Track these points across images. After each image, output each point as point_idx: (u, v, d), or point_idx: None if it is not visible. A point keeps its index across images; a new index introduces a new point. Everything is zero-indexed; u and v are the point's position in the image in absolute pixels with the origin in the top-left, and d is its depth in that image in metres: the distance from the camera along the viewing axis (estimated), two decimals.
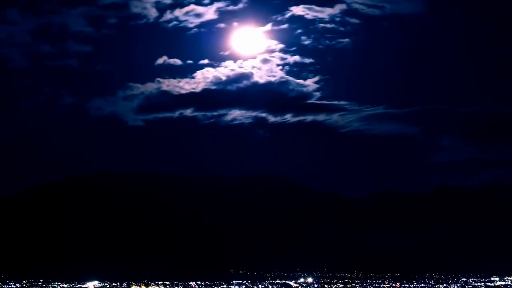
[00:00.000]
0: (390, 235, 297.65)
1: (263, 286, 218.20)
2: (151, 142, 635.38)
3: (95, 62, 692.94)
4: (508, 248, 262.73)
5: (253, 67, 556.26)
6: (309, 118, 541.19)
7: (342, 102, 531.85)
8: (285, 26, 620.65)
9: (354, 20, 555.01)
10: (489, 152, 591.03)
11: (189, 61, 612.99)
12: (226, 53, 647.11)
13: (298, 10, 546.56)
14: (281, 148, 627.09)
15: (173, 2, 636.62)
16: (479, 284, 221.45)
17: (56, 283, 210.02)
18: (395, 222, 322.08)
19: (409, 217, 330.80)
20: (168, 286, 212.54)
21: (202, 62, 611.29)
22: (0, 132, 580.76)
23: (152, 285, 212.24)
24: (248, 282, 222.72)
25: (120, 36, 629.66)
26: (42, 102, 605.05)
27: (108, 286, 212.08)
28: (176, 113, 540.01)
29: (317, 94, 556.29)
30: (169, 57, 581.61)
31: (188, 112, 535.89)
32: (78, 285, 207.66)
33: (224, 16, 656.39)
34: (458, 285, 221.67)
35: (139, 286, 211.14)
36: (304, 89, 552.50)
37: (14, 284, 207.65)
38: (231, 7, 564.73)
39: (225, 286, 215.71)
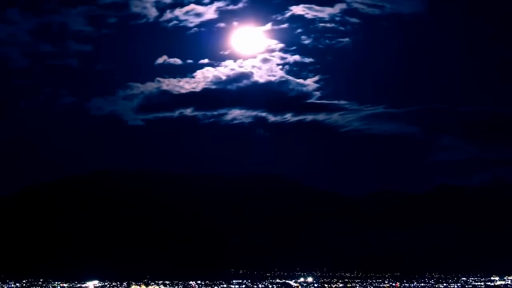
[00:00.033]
0: (390, 234, 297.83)
1: (263, 286, 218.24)
2: (151, 142, 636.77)
3: (95, 62, 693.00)
4: (508, 248, 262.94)
5: (253, 66, 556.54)
6: (309, 117, 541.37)
7: (342, 102, 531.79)
8: (285, 25, 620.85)
9: (354, 20, 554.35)
10: (489, 151, 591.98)
11: (189, 61, 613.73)
12: (226, 52, 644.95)
13: (298, 9, 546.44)
14: (281, 148, 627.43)
15: (173, 1, 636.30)
16: (479, 283, 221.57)
17: (56, 282, 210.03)
18: (395, 221, 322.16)
19: (409, 217, 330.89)
20: (168, 286, 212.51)
21: (202, 61, 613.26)
22: (0, 132, 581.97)
23: (152, 285, 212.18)
24: (248, 282, 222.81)
25: (120, 35, 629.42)
26: (42, 102, 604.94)
27: (108, 285, 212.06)
28: (176, 113, 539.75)
29: (317, 93, 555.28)
30: (169, 57, 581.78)
31: (188, 111, 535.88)
32: (78, 285, 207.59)
33: (224, 15, 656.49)
34: (458, 284, 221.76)
35: (139, 285, 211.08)
36: (304, 88, 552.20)
37: (14, 284, 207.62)
38: (231, 7, 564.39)
39: (225, 285, 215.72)
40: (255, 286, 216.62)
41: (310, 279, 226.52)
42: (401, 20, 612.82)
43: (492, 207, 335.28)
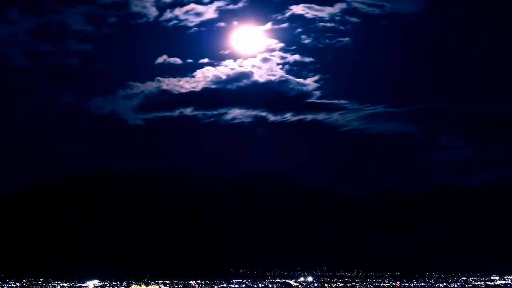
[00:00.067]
0: (390, 234, 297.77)
1: (263, 285, 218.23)
2: (151, 141, 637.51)
3: (95, 61, 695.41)
4: (508, 248, 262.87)
5: (253, 66, 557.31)
6: (309, 117, 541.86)
7: (342, 101, 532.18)
8: (285, 25, 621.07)
9: (354, 19, 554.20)
10: (489, 151, 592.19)
11: (189, 60, 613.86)
12: (226, 52, 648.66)
13: (298, 9, 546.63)
14: (281, 147, 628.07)
15: (173, 1, 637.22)
16: (479, 283, 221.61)
17: (56, 282, 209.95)
18: (395, 221, 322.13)
19: (409, 217, 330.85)
20: (168, 286, 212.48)
21: (202, 61, 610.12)
22: (0, 131, 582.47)
23: (152, 285, 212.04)
24: (248, 281, 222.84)
25: (120, 35, 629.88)
26: (42, 101, 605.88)
27: (108, 285, 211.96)
28: (176, 112, 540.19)
29: (317, 93, 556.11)
30: (169, 56, 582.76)
31: (188, 111, 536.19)
32: (78, 285, 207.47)
33: (224, 15, 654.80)
34: (458, 284, 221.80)
35: (139, 285, 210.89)
36: (304, 88, 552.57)
37: (14, 283, 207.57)
38: (231, 6, 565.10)
39: (225, 285, 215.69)
40: (255, 286, 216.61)
41: (310, 279, 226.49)
42: (401, 20, 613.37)
43: (492, 207, 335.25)
